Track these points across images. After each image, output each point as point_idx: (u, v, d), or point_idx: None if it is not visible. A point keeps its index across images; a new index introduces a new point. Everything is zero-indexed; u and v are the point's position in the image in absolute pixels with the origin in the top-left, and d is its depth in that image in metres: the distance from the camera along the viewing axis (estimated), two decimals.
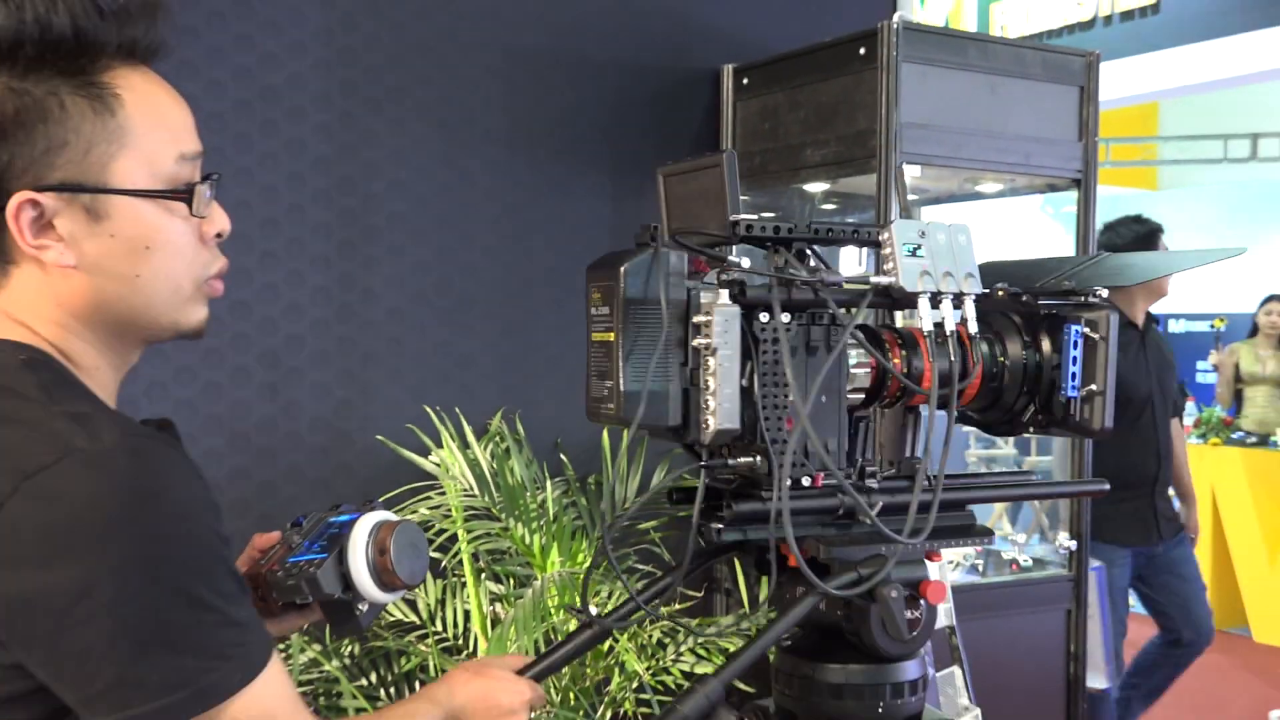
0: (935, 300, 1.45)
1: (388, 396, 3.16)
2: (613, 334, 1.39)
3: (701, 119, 3.56)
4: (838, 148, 3.21)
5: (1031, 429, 1.50)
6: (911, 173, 3.56)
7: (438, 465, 2.99)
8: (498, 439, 3.05)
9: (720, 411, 1.38)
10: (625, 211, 3.44)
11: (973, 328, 1.49)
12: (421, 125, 3.19)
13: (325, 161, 3.00)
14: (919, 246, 1.45)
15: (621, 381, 1.38)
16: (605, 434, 3.19)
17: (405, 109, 3.16)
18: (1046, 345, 1.48)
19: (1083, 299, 1.49)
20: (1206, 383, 12.62)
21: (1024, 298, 1.53)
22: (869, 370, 1.53)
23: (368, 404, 3.14)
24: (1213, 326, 10.26)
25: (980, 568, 3.84)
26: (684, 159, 1.62)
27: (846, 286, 1.47)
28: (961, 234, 1.46)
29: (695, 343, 1.38)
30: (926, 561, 1.58)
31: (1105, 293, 1.49)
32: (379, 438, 3.10)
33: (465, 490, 2.94)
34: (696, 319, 1.38)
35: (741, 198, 3.55)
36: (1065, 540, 3.55)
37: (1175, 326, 13.89)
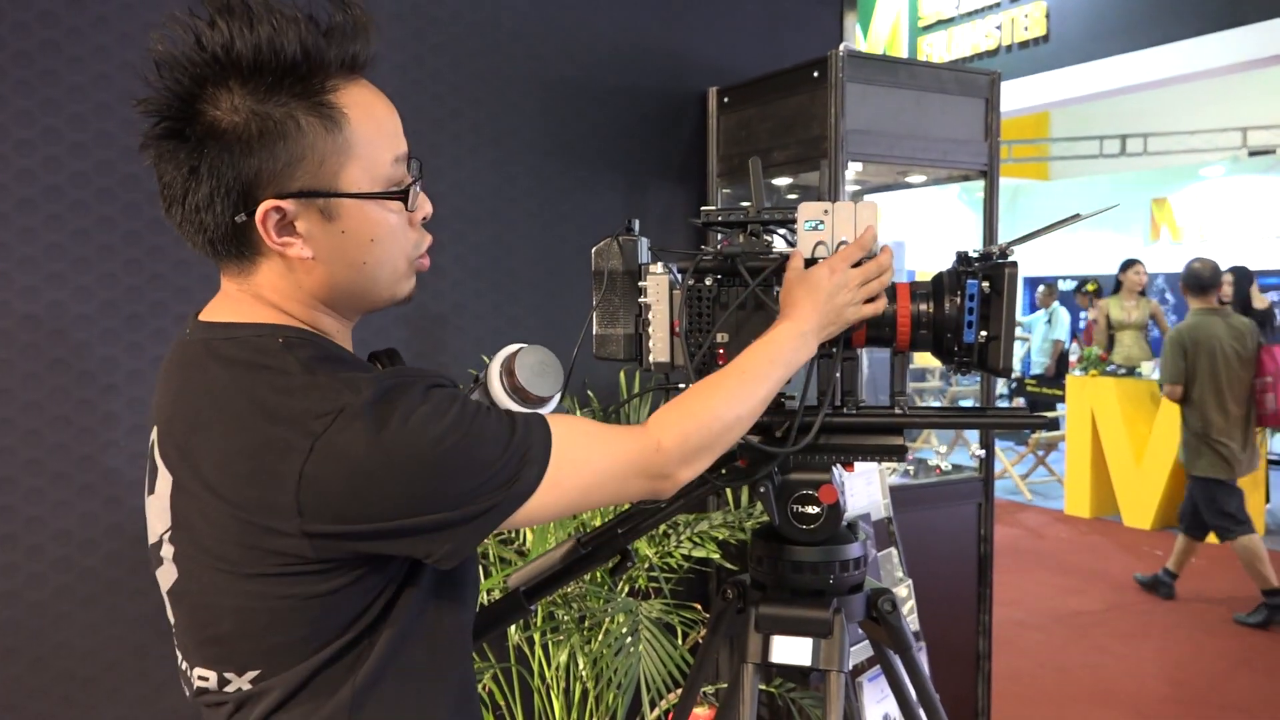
0: None
1: (454, 349, 3.15)
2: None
3: (693, 130, 3.51)
4: (797, 149, 3.16)
5: (960, 367, 1.48)
6: (854, 168, 3.52)
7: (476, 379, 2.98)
8: None
9: (655, 349, 1.51)
10: (635, 204, 3.41)
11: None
12: (475, 138, 3.15)
13: None
14: (820, 222, 1.43)
15: (594, 327, 1.54)
16: (622, 375, 3.19)
17: (463, 126, 3.13)
18: (959, 299, 1.46)
19: (993, 259, 1.47)
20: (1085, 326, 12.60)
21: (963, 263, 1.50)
22: None
23: (438, 355, 3.13)
24: (1087, 290, 10.20)
25: (912, 472, 3.83)
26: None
27: (769, 256, 1.49)
28: (866, 210, 1.43)
29: (641, 301, 1.50)
30: (836, 470, 1.59)
31: (1013, 255, 1.45)
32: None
33: None
34: (641, 284, 1.51)
35: (724, 190, 3.51)
36: (977, 450, 3.54)
37: (1065, 285, 13.82)
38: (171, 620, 1.17)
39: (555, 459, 1.11)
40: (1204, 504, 5.44)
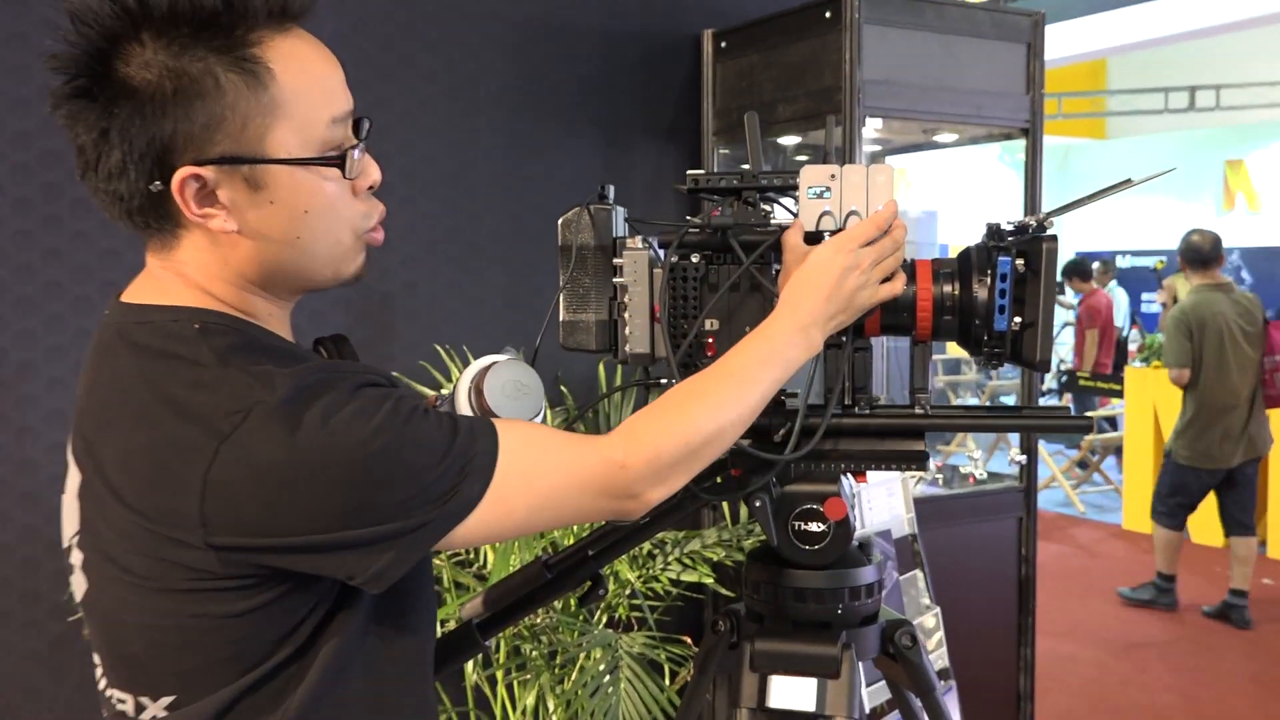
0: None
1: (404, 336, 3.14)
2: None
3: (685, 80, 3.51)
4: (807, 103, 3.16)
5: (990, 359, 1.47)
6: (874, 124, 3.53)
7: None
8: None
9: (632, 338, 1.50)
10: (617, 165, 3.40)
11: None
12: (429, 89, 3.14)
13: None
14: (826, 189, 1.43)
15: (561, 312, 1.53)
16: (601, 367, 3.18)
17: (414, 75, 3.12)
18: (989, 279, 1.44)
19: (1029, 233, 1.46)
20: (1152, 312, 12.63)
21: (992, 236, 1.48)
22: None
23: (385, 343, 3.12)
24: (1154, 270, 10.23)
25: (942, 481, 3.84)
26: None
27: (768, 229, 1.49)
28: (880, 175, 1.42)
29: (616, 281, 1.50)
30: (846, 480, 1.59)
31: (1053, 227, 1.45)
32: (395, 374, 3.07)
33: None
34: (616, 261, 1.50)
35: (722, 150, 3.51)
36: (1017, 455, 3.55)
37: (1123, 262, 13.86)
38: (87, 634, 1.20)
39: (502, 472, 1.12)
40: (1164, 481, 5.97)
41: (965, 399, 9.70)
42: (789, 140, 3.55)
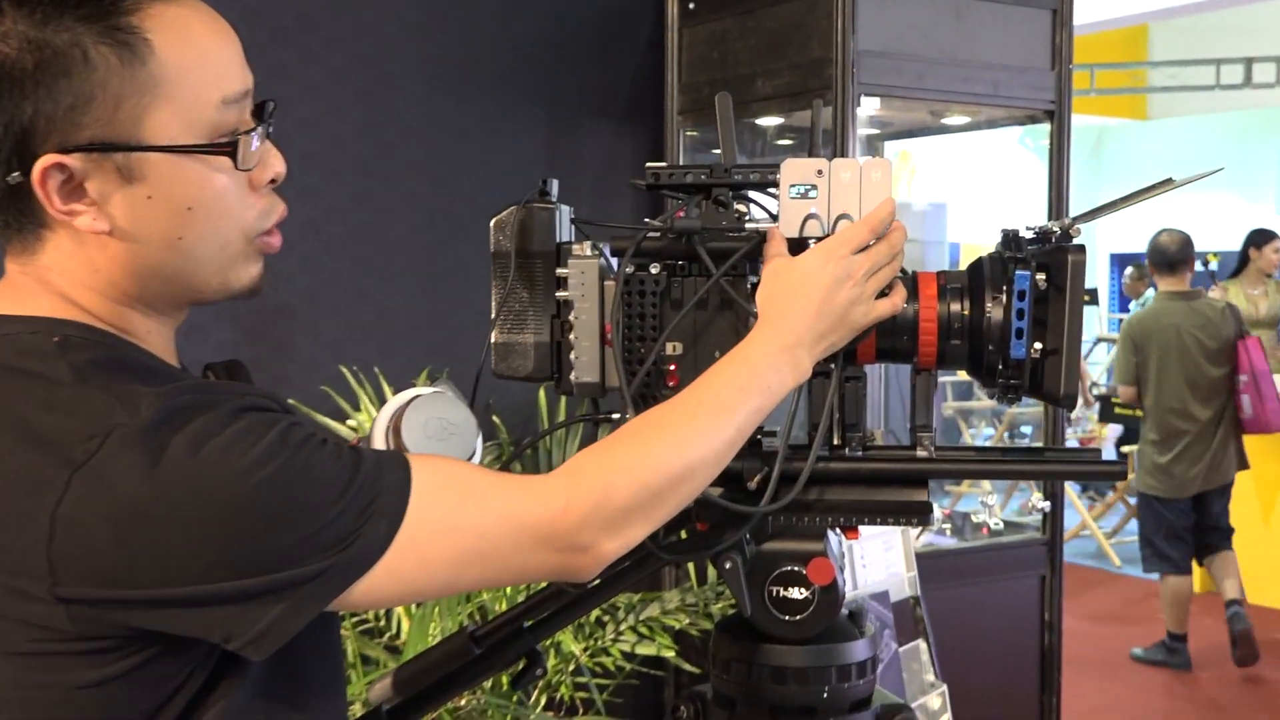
0: None
1: (301, 355, 3.13)
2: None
3: (644, 47, 3.53)
4: (791, 78, 3.19)
5: (1006, 392, 1.48)
6: (870, 105, 3.56)
7: (355, 431, 2.96)
8: None
9: (579, 364, 1.50)
10: (562, 153, 3.41)
11: None
12: (335, 56, 3.14)
13: None
14: (812, 187, 1.44)
15: (494, 333, 1.53)
16: (542, 393, 3.18)
17: (316, 38, 3.11)
18: (1005, 297, 1.45)
19: (1051, 242, 1.47)
20: None
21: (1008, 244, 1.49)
22: None
23: (279, 363, 3.11)
24: (1205, 264, 10.33)
25: (950, 532, 3.87)
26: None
27: (741, 234, 1.49)
28: (876, 171, 1.44)
29: (559, 295, 1.51)
30: (834, 536, 1.59)
31: (1080, 234, 1.46)
32: (290, 401, 3.06)
33: None
34: (560, 271, 1.51)
35: (689, 133, 3.53)
36: (1039, 502, 3.58)
37: None
38: None
39: (416, 514, 1.11)
40: (1141, 520, 6.27)
41: (979, 430, 9.76)
42: (769, 122, 3.58)
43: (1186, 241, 5.98)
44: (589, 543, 1.19)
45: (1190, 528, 6.06)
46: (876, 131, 3.93)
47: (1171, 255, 5.95)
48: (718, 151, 1.57)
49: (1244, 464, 6.05)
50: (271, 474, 1.04)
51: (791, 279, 1.39)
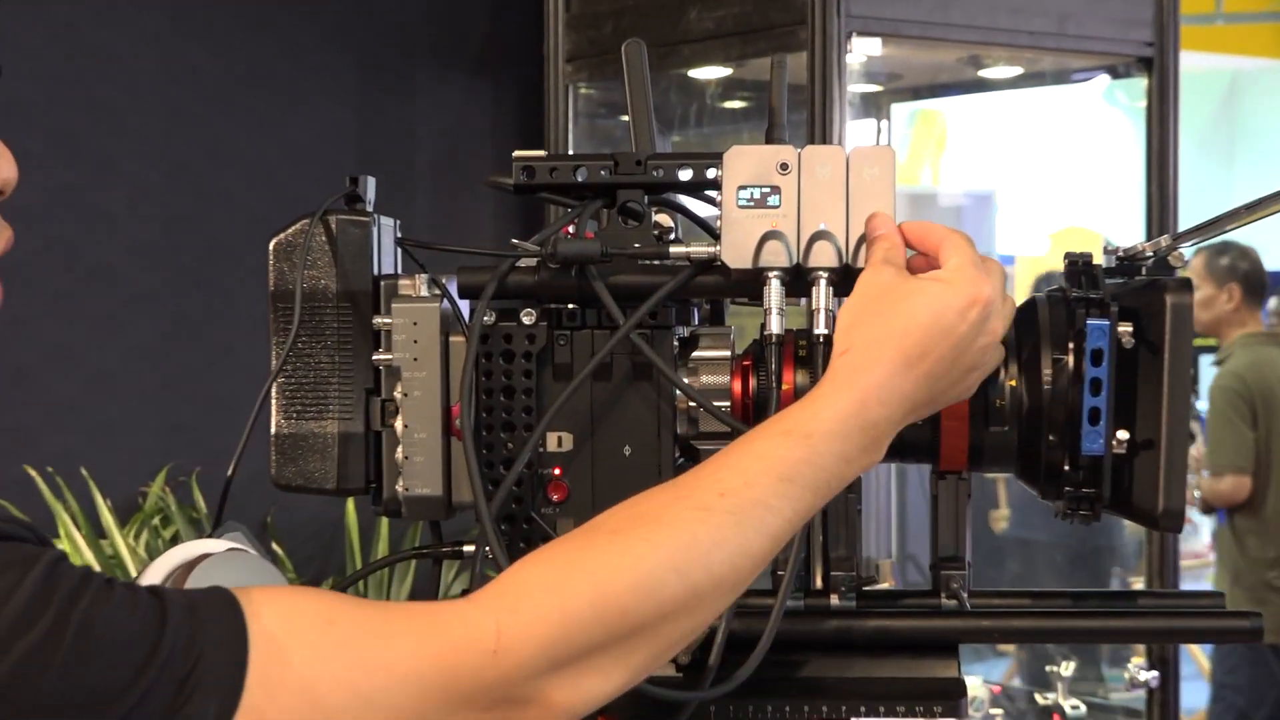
0: (809, 279, 1.49)
1: None
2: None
3: None
4: (742, 8, 3.22)
5: (1074, 505, 1.51)
6: (867, 48, 3.58)
7: None
8: (159, 519, 3.02)
9: (409, 467, 1.54)
10: (382, 127, 3.43)
11: None
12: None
13: None
14: (772, 190, 1.48)
15: (273, 417, 1.57)
16: (351, 507, 3.18)
17: None
18: (1070, 360, 1.49)
19: (1140, 274, 1.52)
20: None
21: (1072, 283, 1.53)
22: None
23: None
24: None
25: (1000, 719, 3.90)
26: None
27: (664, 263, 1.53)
28: (873, 165, 1.48)
29: (378, 358, 1.54)
30: None
31: (1184, 262, 1.50)
32: None
33: None
34: (379, 321, 1.55)
35: (583, 90, 3.59)
36: (1141, 671, 3.61)
37: None
38: None
39: (260, 681, 1.12)
40: (1235, 676, 5.96)
41: (1032, 537, 9.75)
42: (709, 74, 3.60)
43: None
44: (532, 694, 1.21)
45: None
46: (877, 88, 3.98)
47: (1265, 280, 6.11)
48: (628, 118, 1.60)
49: None
50: (34, 645, 1.05)
51: (913, 312, 1.41)
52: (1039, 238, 10.93)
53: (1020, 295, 1.57)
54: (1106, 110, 14.24)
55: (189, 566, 1.39)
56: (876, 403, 1.36)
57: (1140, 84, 3.52)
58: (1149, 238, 1.57)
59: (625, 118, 1.59)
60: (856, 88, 3.41)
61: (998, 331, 1.42)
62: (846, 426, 1.35)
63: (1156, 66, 3.47)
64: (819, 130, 3.20)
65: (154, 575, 1.39)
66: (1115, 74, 3.69)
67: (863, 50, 3.49)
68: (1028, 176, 12.61)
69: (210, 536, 1.45)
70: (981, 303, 1.40)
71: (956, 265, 1.42)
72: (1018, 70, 3.81)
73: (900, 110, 4.37)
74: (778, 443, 1.34)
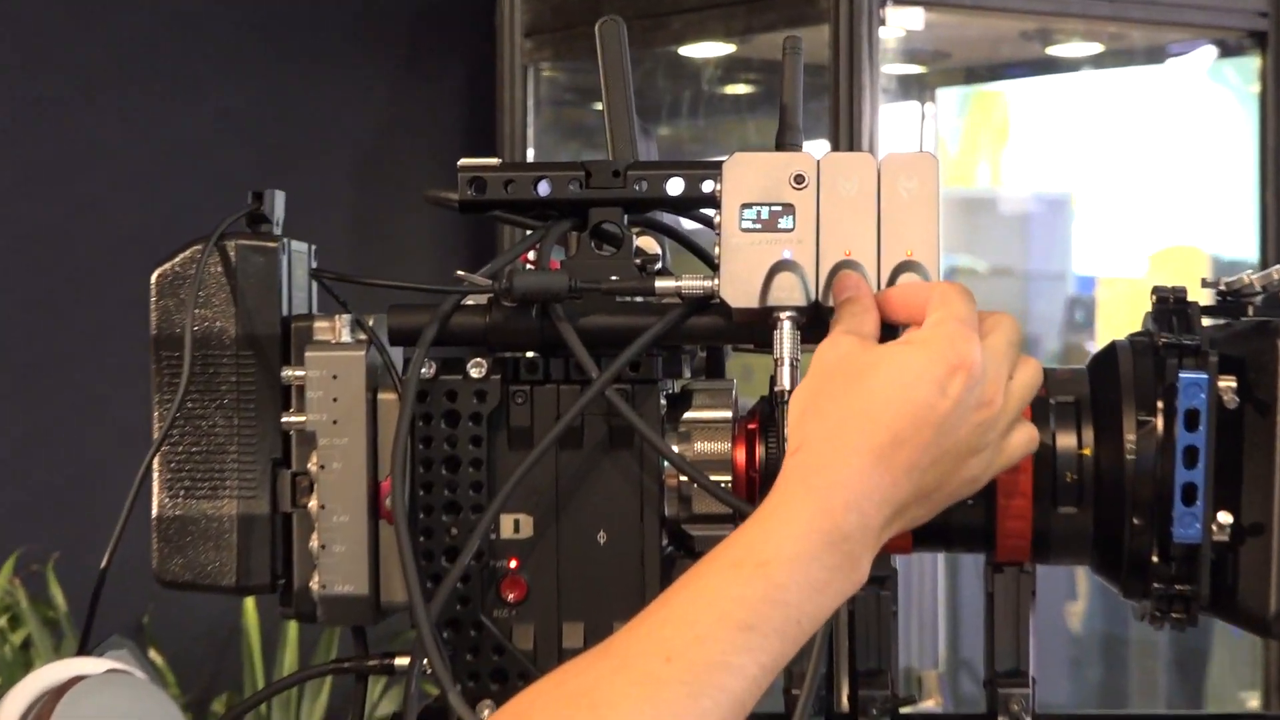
0: (830, 321, 1.46)
1: None
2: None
3: None
4: None
5: (1164, 606, 1.50)
6: (907, 19, 3.60)
7: None
8: (6, 619, 3.03)
9: (326, 560, 1.54)
10: (292, 122, 3.44)
11: None
12: None
13: None
14: (784, 209, 1.47)
15: (155, 495, 1.58)
16: (250, 606, 3.18)
17: None
18: (1159, 423, 1.49)
19: (1247, 314, 1.51)
20: None
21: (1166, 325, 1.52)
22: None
23: None
24: None
25: None
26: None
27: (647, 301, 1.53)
28: (910, 177, 1.48)
29: (287, 420, 1.56)
30: None
31: None
32: None
33: None
34: (288, 373, 1.56)
35: (545, 73, 3.61)
36: None
37: None
38: None
39: None
40: None
41: (1119, 634, 9.82)
42: (706, 51, 3.63)
43: None
44: None
45: None
46: (919, 69, 4.01)
47: None
48: (600, 108, 1.60)
49: None
50: None
51: (877, 388, 1.40)
52: (1132, 255, 10.92)
53: (1103, 327, 1.56)
54: (1213, 93, 14.32)
55: (58, 693, 1.37)
56: (844, 510, 1.34)
57: (1253, 63, 3.54)
58: (1262, 260, 1.56)
59: (599, 106, 1.58)
60: (892, 68, 3.43)
61: (995, 403, 1.40)
62: (810, 546, 1.33)
63: (1273, 42, 3.49)
64: (844, 122, 3.19)
65: (13, 706, 1.37)
66: (1224, 50, 3.70)
67: (900, 22, 3.50)
68: (1113, 177, 12.65)
69: (83, 653, 1.43)
70: (966, 369, 1.37)
71: (935, 322, 1.40)
72: (1096, 47, 3.83)
73: (948, 96, 4.37)
74: (728, 579, 1.32)
